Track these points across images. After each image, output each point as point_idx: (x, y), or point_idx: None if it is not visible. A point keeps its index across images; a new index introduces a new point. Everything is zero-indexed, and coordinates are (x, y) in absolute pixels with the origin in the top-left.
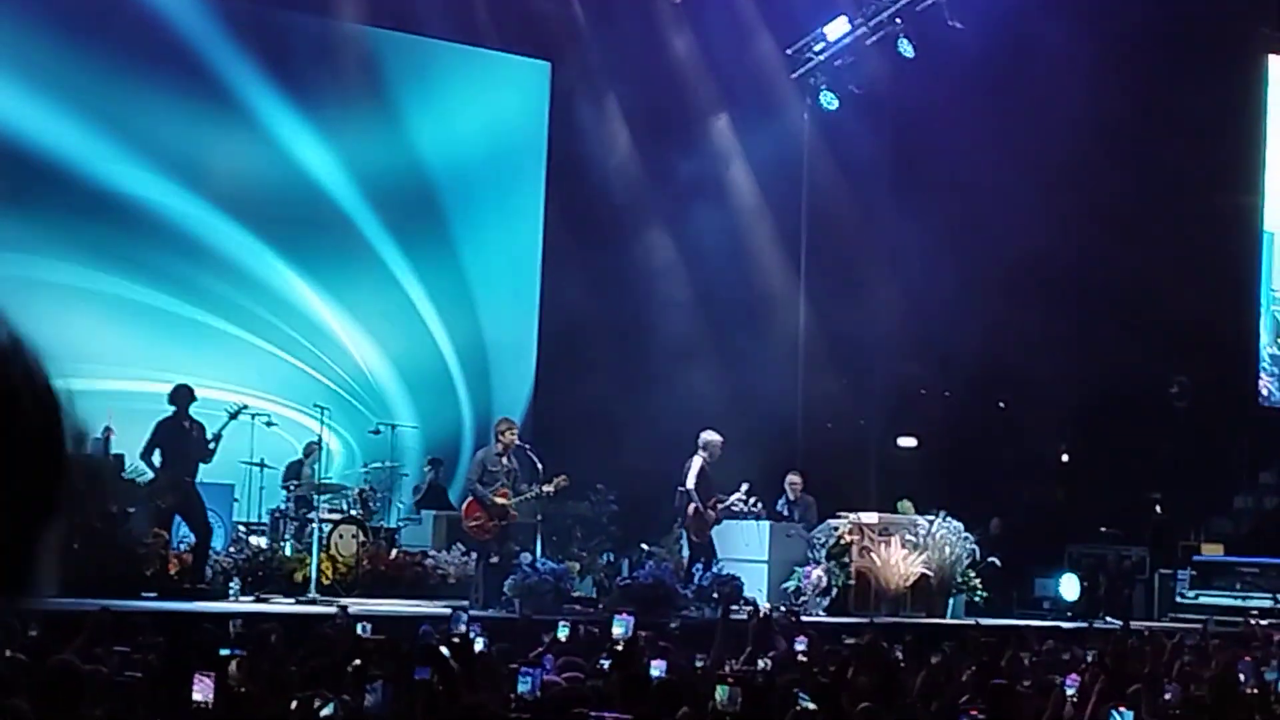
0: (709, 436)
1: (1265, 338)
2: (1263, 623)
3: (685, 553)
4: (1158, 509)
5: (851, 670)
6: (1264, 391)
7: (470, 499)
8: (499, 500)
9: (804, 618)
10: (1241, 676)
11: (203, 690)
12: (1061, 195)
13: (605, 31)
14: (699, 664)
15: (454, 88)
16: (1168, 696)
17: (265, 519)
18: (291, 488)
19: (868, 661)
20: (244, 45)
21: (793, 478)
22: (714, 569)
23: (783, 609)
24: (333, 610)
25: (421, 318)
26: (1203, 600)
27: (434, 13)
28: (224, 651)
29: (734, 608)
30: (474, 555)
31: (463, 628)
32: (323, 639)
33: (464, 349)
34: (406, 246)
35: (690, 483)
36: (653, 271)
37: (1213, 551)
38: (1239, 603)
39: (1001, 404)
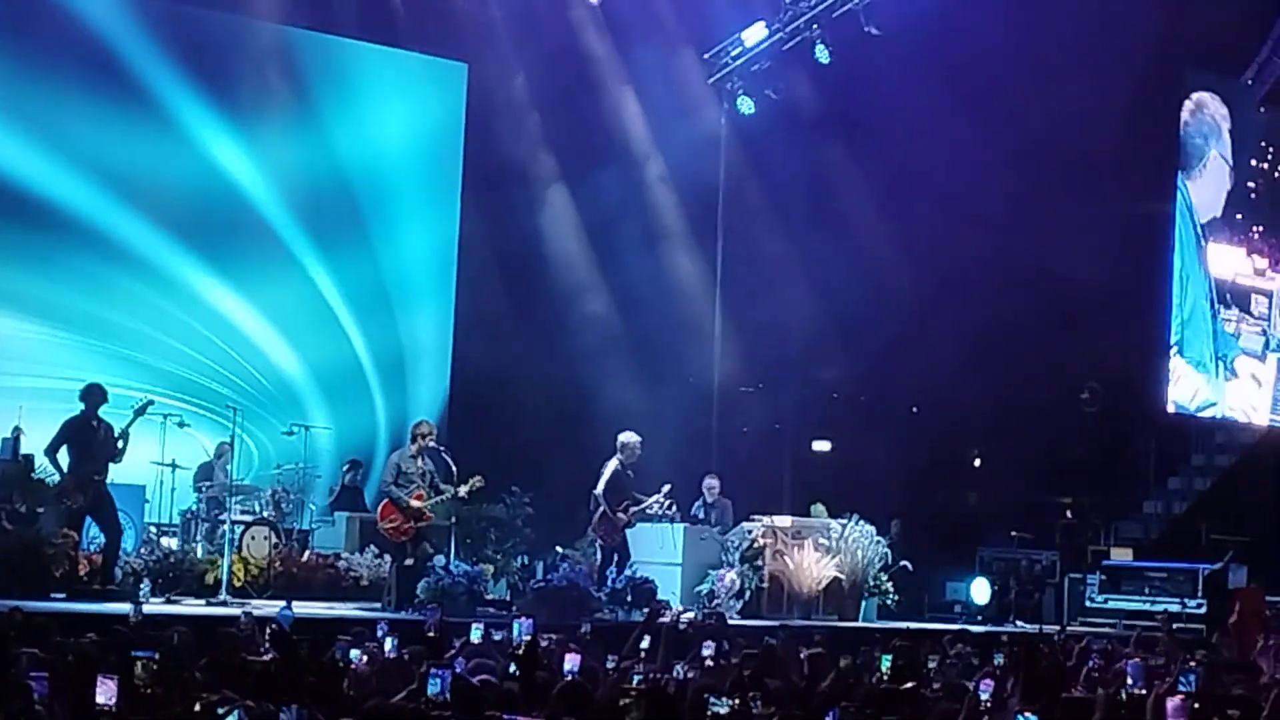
0: (626, 438)
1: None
2: (1172, 627)
3: (598, 556)
4: (1068, 514)
5: (763, 674)
6: (1172, 397)
7: (385, 501)
8: (413, 502)
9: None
10: (1130, 680)
11: (105, 693)
12: (976, 201)
13: (523, 33)
14: (610, 666)
15: (371, 88)
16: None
17: (177, 520)
18: (203, 489)
19: (780, 665)
20: (159, 43)
21: (710, 480)
22: (626, 572)
23: (704, 612)
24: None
25: (337, 319)
26: (1112, 604)
27: (351, 13)
28: (134, 654)
29: (647, 610)
30: (387, 557)
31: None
32: (229, 641)
33: (380, 351)
34: (323, 247)
35: (600, 487)
36: (569, 275)
37: (1122, 556)
38: (1147, 607)
39: (914, 409)
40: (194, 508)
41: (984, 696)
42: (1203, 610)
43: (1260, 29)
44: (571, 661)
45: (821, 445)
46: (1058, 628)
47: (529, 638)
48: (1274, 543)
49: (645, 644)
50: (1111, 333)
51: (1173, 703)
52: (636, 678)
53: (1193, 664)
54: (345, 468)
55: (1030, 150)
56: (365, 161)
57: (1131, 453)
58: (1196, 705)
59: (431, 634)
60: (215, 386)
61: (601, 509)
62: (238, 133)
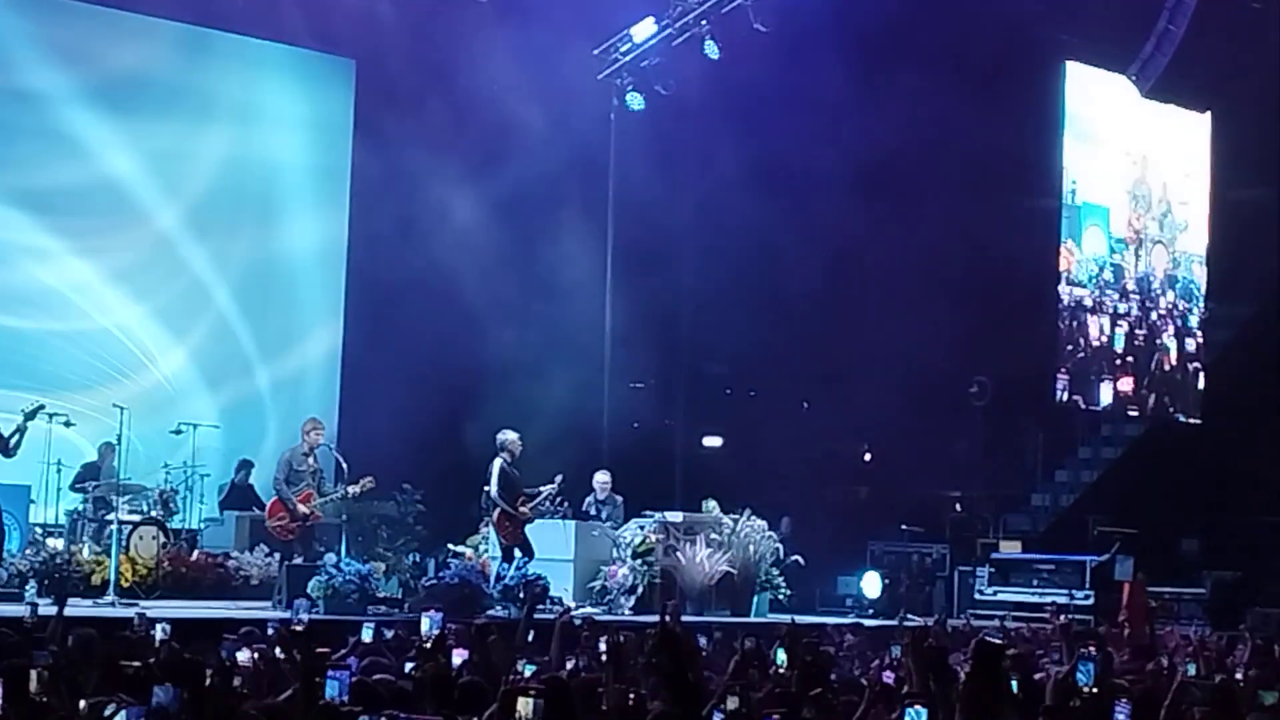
0: (505, 436)
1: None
2: (1060, 619)
3: (494, 553)
4: (957, 507)
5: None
6: (1061, 390)
7: (274, 499)
8: (300, 506)
9: (609, 616)
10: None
11: None
12: (867, 195)
13: (411, 29)
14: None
15: (257, 84)
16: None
17: (63, 521)
18: (89, 488)
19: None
20: (40, 37)
21: (601, 476)
22: (523, 567)
23: (589, 611)
24: (131, 614)
25: (225, 318)
26: (1001, 597)
27: (238, 7)
28: (27, 657)
29: (542, 607)
30: (277, 556)
31: (304, 616)
32: (121, 643)
33: (270, 349)
34: (212, 244)
35: (493, 487)
36: (459, 272)
37: (1010, 548)
38: (1036, 599)
39: (805, 403)
40: (80, 508)
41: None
42: (1090, 602)
43: (1144, 24)
44: (460, 656)
45: (713, 440)
46: (949, 621)
47: (438, 632)
48: (1159, 534)
49: (531, 637)
50: (1000, 326)
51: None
52: (530, 669)
53: (1086, 653)
54: (237, 466)
55: (917, 142)
56: (252, 157)
57: (1020, 445)
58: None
59: (298, 628)
60: (102, 384)
61: (500, 508)
62: (124, 128)
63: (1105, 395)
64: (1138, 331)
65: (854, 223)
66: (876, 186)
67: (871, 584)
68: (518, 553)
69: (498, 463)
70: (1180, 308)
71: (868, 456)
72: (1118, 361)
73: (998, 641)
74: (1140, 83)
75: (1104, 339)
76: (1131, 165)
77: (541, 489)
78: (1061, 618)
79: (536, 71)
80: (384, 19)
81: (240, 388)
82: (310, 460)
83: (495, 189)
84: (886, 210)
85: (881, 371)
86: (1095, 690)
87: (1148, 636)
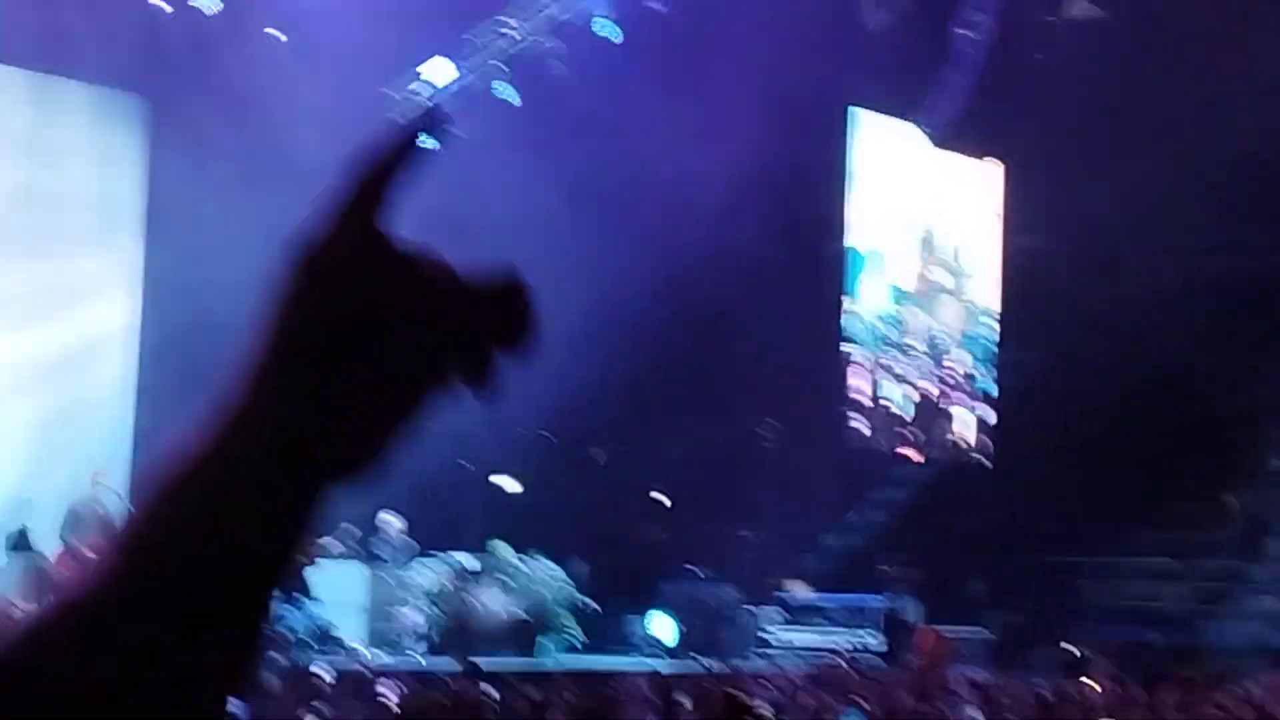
0: None
1: (857, 379)
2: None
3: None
4: (749, 548)
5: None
6: (851, 432)
7: (61, 549)
8: (90, 551)
9: (397, 659)
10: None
11: None
12: (647, 239)
13: (205, 66)
14: None
15: (45, 120)
16: None
17: None
18: None
19: (461, 707)
20: None
21: (389, 517)
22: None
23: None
24: None
25: (11, 365)
26: (791, 638)
27: (24, 41)
28: None
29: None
30: None
31: None
32: None
33: (59, 391)
34: None
35: None
36: (249, 315)
37: (802, 590)
38: (826, 640)
39: (599, 450)
40: None
41: None
42: (879, 643)
43: (928, 73)
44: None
45: (505, 481)
46: (739, 662)
47: None
48: (947, 575)
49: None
50: (793, 369)
51: None
52: None
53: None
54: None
55: (710, 193)
56: (40, 196)
57: (811, 487)
58: None
59: None
60: None
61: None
62: None
63: (896, 438)
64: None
65: (639, 271)
66: (666, 231)
67: (663, 626)
68: None
69: None
70: (969, 366)
71: (663, 498)
72: (902, 429)
73: (744, 698)
74: (929, 133)
75: (888, 404)
76: (922, 214)
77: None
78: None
79: (333, 110)
80: (178, 56)
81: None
82: (98, 510)
83: (289, 227)
84: (676, 256)
85: (676, 411)
86: None
87: (939, 680)
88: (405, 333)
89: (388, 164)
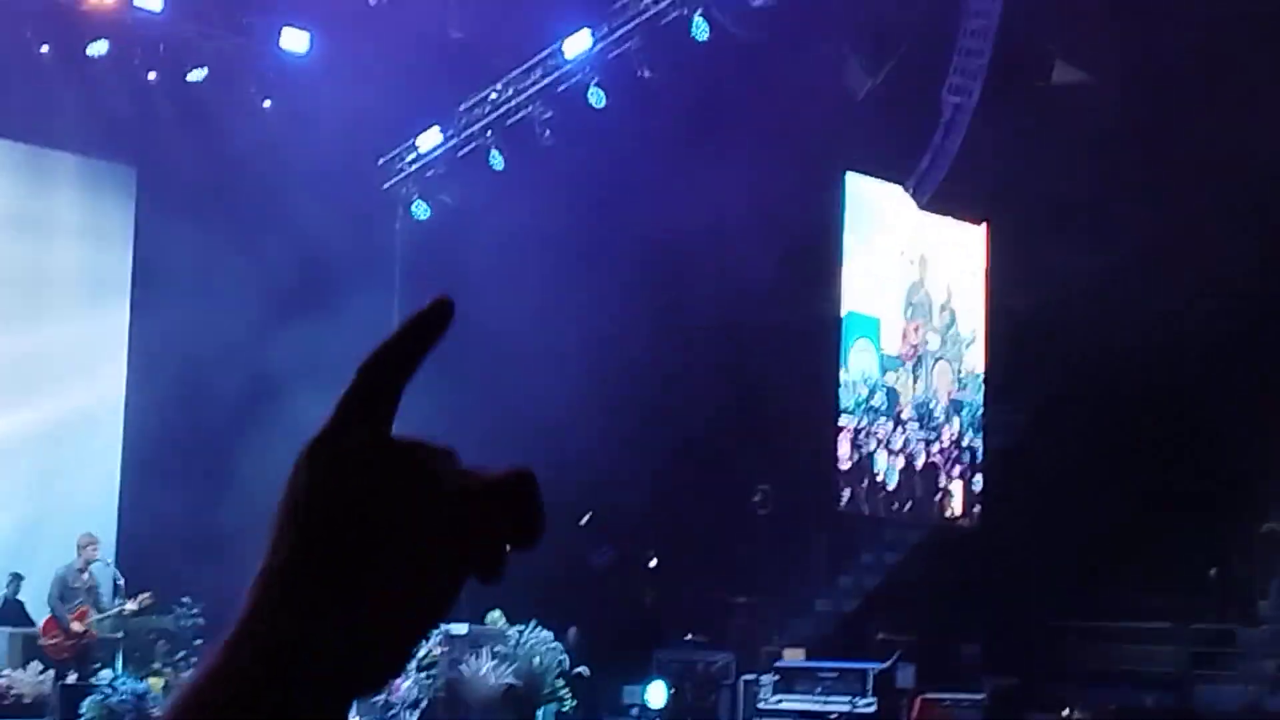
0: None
1: (845, 447)
2: None
3: None
4: (742, 614)
5: None
6: (843, 497)
7: (48, 617)
8: (75, 625)
9: None
10: None
11: None
12: (642, 305)
13: (193, 136)
14: None
15: (34, 190)
16: None
17: None
18: None
19: None
20: None
21: None
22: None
23: None
24: None
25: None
26: (785, 705)
27: (12, 113)
28: None
29: None
30: (51, 674)
31: None
32: None
33: (46, 461)
34: None
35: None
36: (241, 379)
37: (794, 656)
38: (819, 707)
39: (588, 515)
40: None
41: None
42: (873, 709)
43: (921, 139)
44: None
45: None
46: None
47: None
48: (940, 639)
49: None
50: (783, 434)
51: None
52: None
53: None
54: (8, 580)
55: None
56: (28, 267)
57: (803, 552)
58: None
59: None
60: None
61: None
62: None
63: (886, 505)
64: (915, 464)
65: (625, 334)
66: (650, 295)
67: (657, 694)
68: None
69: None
70: (956, 430)
71: (654, 563)
72: (895, 504)
73: None
74: (917, 196)
75: (879, 477)
76: (909, 276)
77: None
78: None
79: (321, 179)
80: (166, 126)
81: (9, 501)
82: (85, 577)
83: (279, 296)
84: (662, 319)
85: (666, 478)
86: None
87: None
88: (421, 538)
89: (400, 365)
